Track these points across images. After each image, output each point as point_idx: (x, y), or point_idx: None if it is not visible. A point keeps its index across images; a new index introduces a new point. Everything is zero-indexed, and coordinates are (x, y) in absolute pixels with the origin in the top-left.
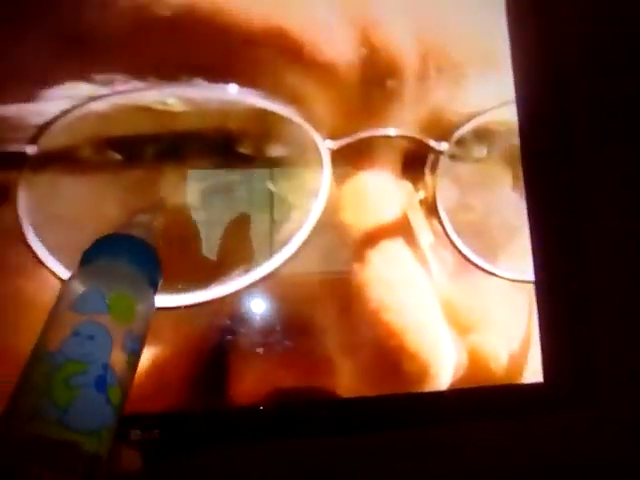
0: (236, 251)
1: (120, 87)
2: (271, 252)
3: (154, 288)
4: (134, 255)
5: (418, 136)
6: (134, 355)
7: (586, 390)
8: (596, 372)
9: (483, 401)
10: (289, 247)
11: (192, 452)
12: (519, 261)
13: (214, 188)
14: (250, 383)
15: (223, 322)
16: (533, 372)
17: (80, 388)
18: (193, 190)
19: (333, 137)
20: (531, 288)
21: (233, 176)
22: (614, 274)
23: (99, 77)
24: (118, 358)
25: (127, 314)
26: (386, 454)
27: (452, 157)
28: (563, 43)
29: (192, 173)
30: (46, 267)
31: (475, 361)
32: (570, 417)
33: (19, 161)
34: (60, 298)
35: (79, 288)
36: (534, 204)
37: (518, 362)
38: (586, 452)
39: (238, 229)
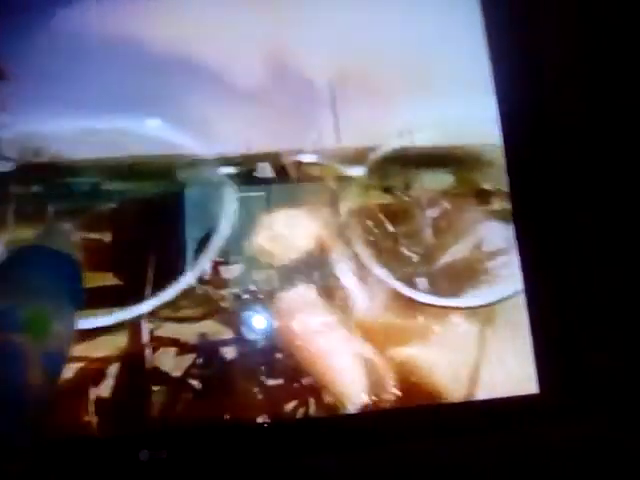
0: None
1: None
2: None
3: (76, 302)
4: (51, 268)
5: (332, 163)
6: (53, 373)
7: (581, 400)
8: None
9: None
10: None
11: (202, 472)
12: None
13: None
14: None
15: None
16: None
17: None
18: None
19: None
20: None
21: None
22: (609, 282)
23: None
24: (34, 376)
25: (42, 332)
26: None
27: (369, 184)
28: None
29: None
30: None
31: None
32: (565, 428)
33: None
34: None
35: None
36: (520, 216)
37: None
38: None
39: None
